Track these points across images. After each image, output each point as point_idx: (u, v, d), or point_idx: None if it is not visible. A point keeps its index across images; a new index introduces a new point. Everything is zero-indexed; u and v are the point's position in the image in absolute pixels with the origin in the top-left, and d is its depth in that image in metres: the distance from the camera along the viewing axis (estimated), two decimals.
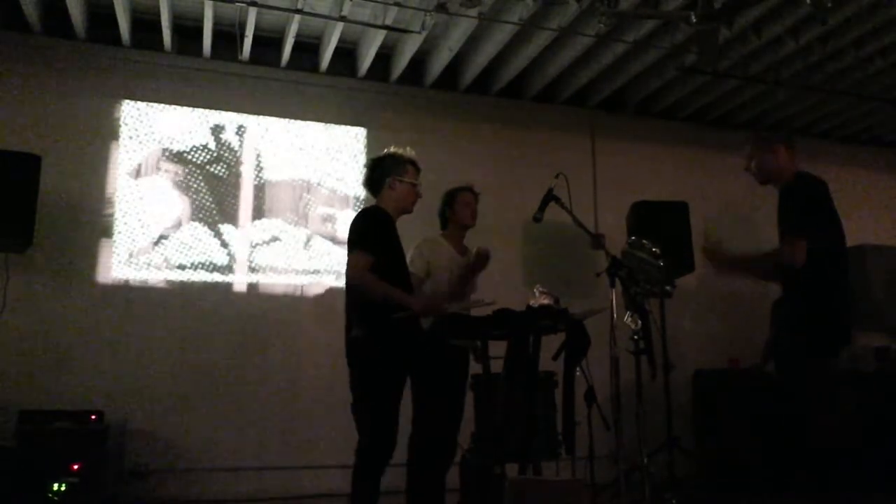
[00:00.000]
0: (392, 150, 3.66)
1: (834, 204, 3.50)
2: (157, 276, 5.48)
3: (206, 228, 5.66)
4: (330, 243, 5.92)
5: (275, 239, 5.81)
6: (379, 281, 3.29)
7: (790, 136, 3.72)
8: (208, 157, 5.77)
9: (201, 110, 5.78)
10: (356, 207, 5.91)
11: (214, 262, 5.63)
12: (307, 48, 5.93)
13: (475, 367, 3.93)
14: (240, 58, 5.75)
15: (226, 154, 5.81)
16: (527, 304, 3.56)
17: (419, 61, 6.11)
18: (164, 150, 5.66)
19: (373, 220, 3.49)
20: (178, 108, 5.73)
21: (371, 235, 3.39)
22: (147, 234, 5.51)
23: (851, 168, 7.44)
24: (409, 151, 3.67)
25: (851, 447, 4.42)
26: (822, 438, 3.29)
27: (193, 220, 5.64)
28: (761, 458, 5.43)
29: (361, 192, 5.97)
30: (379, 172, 3.60)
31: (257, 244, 5.77)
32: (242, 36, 5.48)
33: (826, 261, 3.35)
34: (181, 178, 5.67)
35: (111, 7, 5.11)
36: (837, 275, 3.40)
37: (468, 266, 4.15)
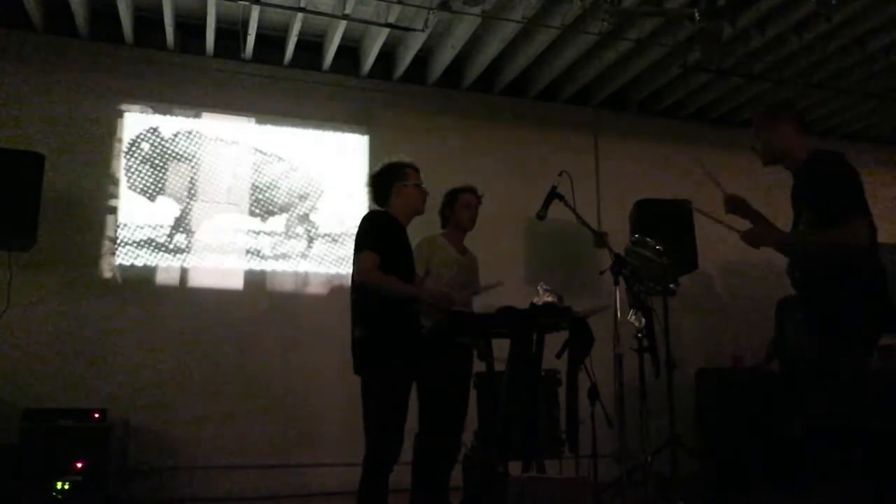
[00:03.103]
0: (388, 160, 3.68)
1: None
2: (160, 274, 5.49)
3: (209, 227, 5.65)
4: (333, 242, 5.92)
5: (278, 238, 5.81)
6: (385, 277, 3.30)
7: (795, 112, 3.41)
8: (211, 154, 5.77)
9: (204, 108, 5.78)
10: (359, 205, 5.91)
11: (217, 260, 5.63)
12: (310, 46, 5.93)
13: (478, 366, 3.94)
14: (243, 56, 5.76)
15: (228, 152, 5.81)
16: (530, 302, 3.56)
17: (422, 59, 6.11)
18: (167, 147, 5.66)
19: (376, 222, 3.49)
20: (181, 105, 5.73)
21: (375, 236, 3.39)
22: (150, 232, 5.51)
23: (855, 166, 7.42)
24: (404, 157, 3.69)
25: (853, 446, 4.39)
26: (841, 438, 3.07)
27: (197, 218, 5.64)
28: (763, 456, 5.43)
29: (363, 190, 5.97)
30: (383, 184, 3.61)
31: (260, 243, 5.77)
32: (245, 34, 5.48)
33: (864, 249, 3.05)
34: (184, 177, 5.67)
35: (114, 5, 5.11)
36: (875, 260, 3.11)
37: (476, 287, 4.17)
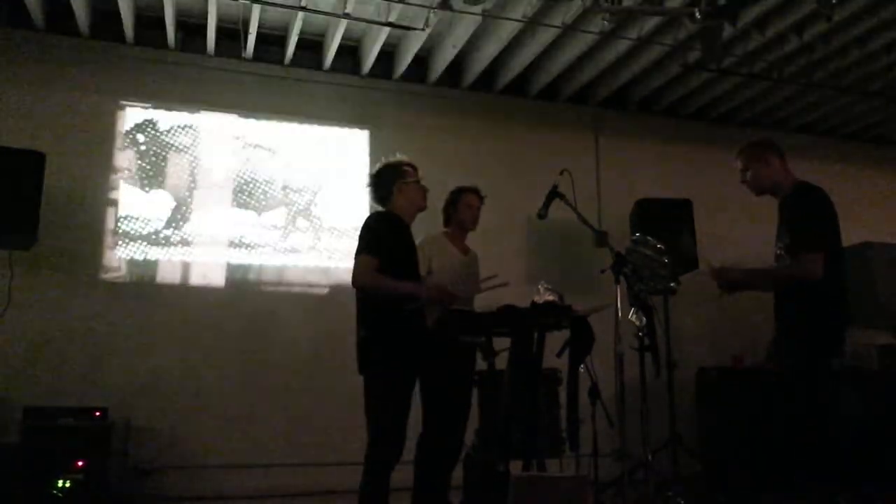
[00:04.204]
0: (385, 161, 3.68)
1: (835, 209, 3.50)
2: (161, 272, 5.49)
3: (210, 226, 5.66)
4: (335, 241, 5.92)
5: (279, 237, 5.82)
6: (383, 277, 3.30)
7: (777, 145, 3.67)
8: (212, 153, 5.77)
9: (205, 107, 5.79)
10: (360, 204, 5.91)
11: (219, 259, 5.63)
12: (311, 45, 5.94)
13: (480, 365, 3.94)
14: (243, 55, 5.76)
15: (230, 151, 5.82)
16: (531, 301, 3.56)
17: (423, 58, 6.11)
18: (168, 146, 5.67)
19: (378, 223, 3.49)
20: (182, 104, 5.74)
21: (376, 239, 3.39)
22: (152, 231, 5.51)
23: (855, 165, 7.44)
24: (401, 156, 3.70)
25: (854, 446, 4.41)
26: (820, 438, 3.27)
27: (198, 217, 5.65)
28: (764, 456, 5.43)
29: (364, 189, 5.97)
30: (383, 185, 3.61)
31: (262, 242, 5.77)
32: (246, 33, 5.49)
33: (829, 267, 3.34)
34: (185, 175, 5.68)
35: (115, 4, 5.11)
36: (837, 278, 3.38)
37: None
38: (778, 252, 3.54)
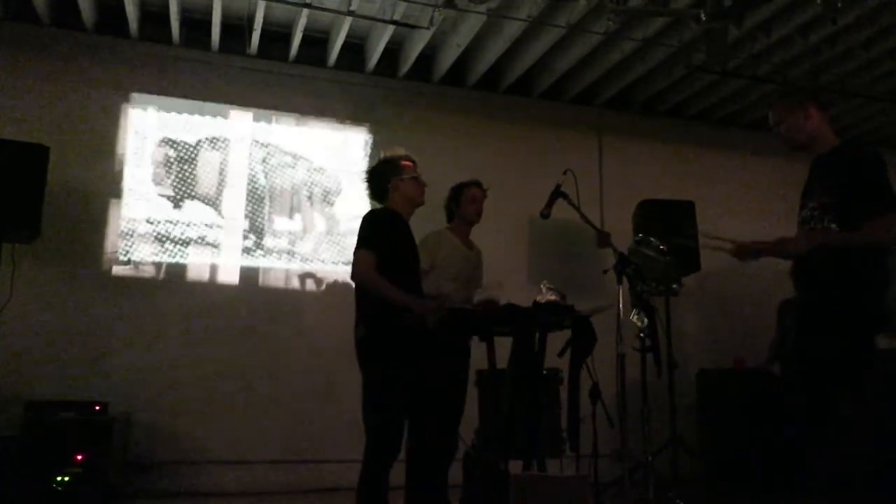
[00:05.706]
0: (383, 155, 3.66)
1: None
2: (163, 268, 5.49)
3: (213, 222, 5.66)
4: (336, 238, 5.93)
5: (282, 233, 5.82)
6: (381, 279, 3.29)
7: (818, 95, 3.34)
8: (215, 150, 5.78)
9: (209, 103, 5.79)
10: (361, 202, 5.91)
11: (221, 255, 5.64)
12: (315, 43, 5.94)
13: (481, 364, 3.94)
14: (248, 52, 5.77)
15: (233, 148, 5.82)
16: (533, 301, 3.56)
17: (427, 57, 6.11)
18: (172, 142, 5.67)
19: (378, 220, 3.49)
20: (186, 100, 5.74)
21: (376, 235, 3.39)
22: (154, 226, 5.52)
23: None
24: (399, 150, 3.66)
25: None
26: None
27: (200, 213, 5.65)
28: (763, 457, 5.43)
29: (362, 185, 5.98)
30: (380, 181, 3.59)
31: (265, 239, 5.77)
32: (251, 30, 5.49)
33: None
34: (188, 172, 5.68)
35: None
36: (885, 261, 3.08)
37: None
38: (807, 214, 3.16)
